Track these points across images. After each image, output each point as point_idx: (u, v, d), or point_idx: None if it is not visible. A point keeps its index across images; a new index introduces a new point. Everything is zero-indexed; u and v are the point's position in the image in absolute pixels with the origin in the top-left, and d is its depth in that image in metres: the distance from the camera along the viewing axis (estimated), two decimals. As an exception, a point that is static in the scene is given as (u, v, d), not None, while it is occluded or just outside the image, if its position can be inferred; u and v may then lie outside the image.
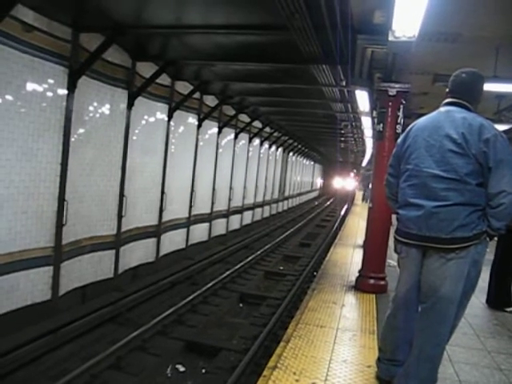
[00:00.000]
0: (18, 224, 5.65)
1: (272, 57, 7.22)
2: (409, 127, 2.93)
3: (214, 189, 12.50)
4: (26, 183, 5.70)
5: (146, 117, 8.54)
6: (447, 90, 2.89)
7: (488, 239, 2.66)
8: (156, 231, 9.40)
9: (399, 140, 2.99)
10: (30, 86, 5.62)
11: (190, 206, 11.00)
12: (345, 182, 41.91)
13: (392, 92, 5.32)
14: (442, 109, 2.84)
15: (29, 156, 5.69)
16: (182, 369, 5.44)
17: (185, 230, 10.91)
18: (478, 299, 5.13)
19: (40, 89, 5.78)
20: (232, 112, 12.87)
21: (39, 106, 5.78)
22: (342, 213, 22.76)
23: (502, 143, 2.56)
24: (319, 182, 45.08)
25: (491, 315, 4.93)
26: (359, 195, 27.76)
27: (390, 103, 5.37)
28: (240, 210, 15.42)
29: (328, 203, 35.45)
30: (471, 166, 2.57)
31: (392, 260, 6.21)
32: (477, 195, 2.59)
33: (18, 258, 5.68)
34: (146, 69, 8.03)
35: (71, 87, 6.21)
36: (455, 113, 2.72)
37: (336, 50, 5.94)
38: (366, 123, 10.79)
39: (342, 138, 19.52)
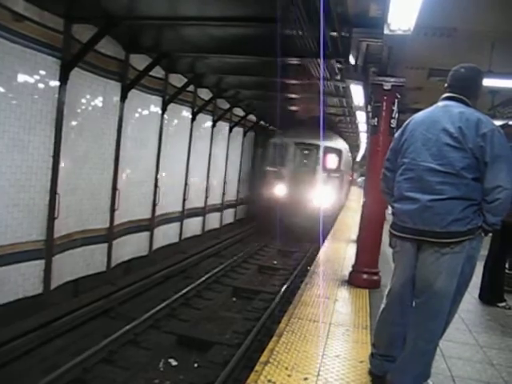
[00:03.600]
0: (9, 217, 5.59)
1: (266, 50, 7.15)
2: (406, 121, 2.91)
3: (207, 183, 12.45)
4: (17, 176, 5.63)
5: (139, 109, 8.46)
6: (446, 84, 2.87)
7: (483, 235, 2.65)
8: (149, 225, 9.34)
9: (396, 134, 2.97)
10: (22, 78, 5.53)
11: (184, 200, 10.94)
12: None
13: (387, 86, 5.28)
14: (440, 103, 2.82)
15: (20, 148, 5.62)
16: (174, 363, 5.43)
17: (178, 223, 10.86)
18: (471, 294, 5.13)
19: (31, 80, 5.69)
20: (226, 105, 12.79)
21: (31, 97, 5.70)
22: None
23: (500, 138, 2.55)
24: None
25: (484, 310, 4.95)
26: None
27: (385, 97, 5.33)
28: (234, 204, 15.38)
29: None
30: (468, 160, 2.55)
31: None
32: (473, 190, 2.58)
33: (9, 251, 5.61)
34: (139, 61, 7.93)
35: (63, 79, 6.12)
36: (453, 107, 2.71)
37: (331, 44, 5.91)
38: (361, 117, 10.77)
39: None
